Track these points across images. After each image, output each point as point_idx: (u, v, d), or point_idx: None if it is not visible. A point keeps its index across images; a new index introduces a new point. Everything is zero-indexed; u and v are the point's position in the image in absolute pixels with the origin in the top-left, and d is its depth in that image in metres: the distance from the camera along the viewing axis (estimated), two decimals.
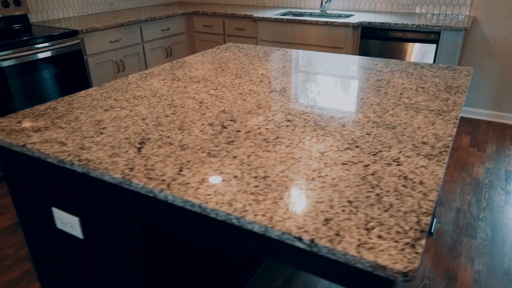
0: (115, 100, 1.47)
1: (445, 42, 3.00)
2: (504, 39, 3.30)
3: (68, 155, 1.05)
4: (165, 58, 3.93)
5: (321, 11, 3.84)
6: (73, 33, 2.94)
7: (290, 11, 3.94)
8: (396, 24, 3.11)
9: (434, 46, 3.04)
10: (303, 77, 1.71)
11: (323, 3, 3.80)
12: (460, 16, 3.37)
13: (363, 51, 3.32)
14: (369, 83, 1.62)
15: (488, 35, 3.36)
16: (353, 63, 1.93)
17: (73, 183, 1.12)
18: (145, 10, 4.03)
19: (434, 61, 3.09)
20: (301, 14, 3.91)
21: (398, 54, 3.20)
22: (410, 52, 3.15)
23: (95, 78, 3.24)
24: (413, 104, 1.38)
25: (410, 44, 3.12)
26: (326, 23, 3.31)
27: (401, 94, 1.49)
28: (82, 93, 1.55)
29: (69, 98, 1.50)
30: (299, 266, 0.80)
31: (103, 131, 1.20)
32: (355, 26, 3.24)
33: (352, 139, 1.12)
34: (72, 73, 3.00)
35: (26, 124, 1.26)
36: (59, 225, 1.26)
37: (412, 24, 3.04)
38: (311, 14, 3.87)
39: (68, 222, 1.22)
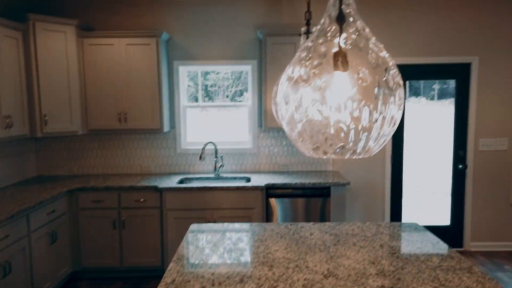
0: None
1: (335, 195, 3.70)
2: (359, 184, 4.31)
3: None
4: (49, 246, 3.27)
5: (215, 175, 4.13)
6: None
7: (185, 177, 4.07)
8: (296, 183, 3.67)
9: (327, 199, 3.69)
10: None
11: (217, 168, 4.13)
12: (326, 171, 4.26)
13: (271, 209, 3.68)
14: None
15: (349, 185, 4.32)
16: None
17: None
18: (15, 192, 3.39)
19: (330, 211, 3.69)
20: (197, 179, 4.09)
21: (299, 209, 3.70)
22: (308, 206, 3.69)
23: None
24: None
25: (308, 199, 3.69)
26: (238, 188, 3.60)
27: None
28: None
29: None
30: None
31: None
32: (262, 188, 3.63)
33: None
34: None
35: None
36: None
37: (309, 183, 3.66)
38: (207, 179, 4.10)
39: None
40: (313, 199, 3.69)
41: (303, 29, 1.93)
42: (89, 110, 3.91)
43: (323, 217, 3.69)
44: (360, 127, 1.04)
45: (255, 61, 4.22)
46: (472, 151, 4.20)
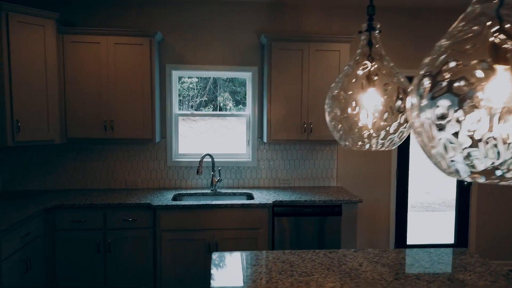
0: None
1: (346, 214, 3.42)
2: (363, 201, 4.05)
3: None
4: (23, 276, 2.74)
5: (212, 190, 3.74)
6: None
7: (179, 193, 3.64)
8: (305, 200, 3.36)
9: (337, 218, 3.41)
10: None
11: (214, 182, 3.74)
12: (330, 186, 4.00)
13: (278, 230, 3.34)
14: None
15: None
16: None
17: None
18: None
19: (341, 231, 3.41)
20: (192, 196, 3.68)
21: (310, 228, 3.38)
22: (319, 226, 3.39)
23: None
24: None
25: (320, 218, 3.39)
26: (243, 205, 3.23)
27: None
28: None
29: None
30: None
31: None
32: (269, 206, 3.29)
33: None
34: None
35: None
36: None
37: (319, 200, 3.37)
38: (203, 195, 3.70)
39: None
40: (323, 218, 3.39)
41: (364, 25, 1.66)
42: (69, 117, 3.42)
43: (335, 237, 3.40)
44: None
45: (256, 68, 3.91)
46: None
